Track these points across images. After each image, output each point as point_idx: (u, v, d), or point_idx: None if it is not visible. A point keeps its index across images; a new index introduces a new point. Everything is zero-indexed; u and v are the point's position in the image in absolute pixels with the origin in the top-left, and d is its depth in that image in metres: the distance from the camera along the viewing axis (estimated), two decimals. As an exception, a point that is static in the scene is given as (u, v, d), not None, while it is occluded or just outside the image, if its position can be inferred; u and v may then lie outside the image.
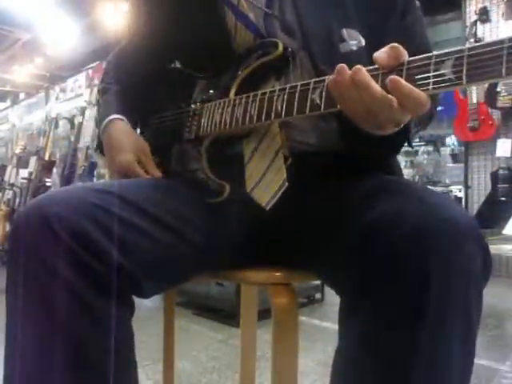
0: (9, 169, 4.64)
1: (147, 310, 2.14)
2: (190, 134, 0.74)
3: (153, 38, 0.81)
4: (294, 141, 0.70)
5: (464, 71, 0.44)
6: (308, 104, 0.56)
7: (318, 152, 0.72)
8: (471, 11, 3.49)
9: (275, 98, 0.60)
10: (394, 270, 0.48)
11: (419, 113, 0.50)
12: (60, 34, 7.23)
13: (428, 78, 0.47)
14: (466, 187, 3.48)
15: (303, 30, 0.70)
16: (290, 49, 0.66)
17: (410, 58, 0.49)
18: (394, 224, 0.49)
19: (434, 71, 0.47)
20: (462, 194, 3.72)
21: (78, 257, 0.50)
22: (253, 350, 0.99)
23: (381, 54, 0.51)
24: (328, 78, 0.55)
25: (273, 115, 0.61)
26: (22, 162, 4.53)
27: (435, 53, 0.47)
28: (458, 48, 0.45)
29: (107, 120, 0.80)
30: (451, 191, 4.13)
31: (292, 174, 0.65)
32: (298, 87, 0.58)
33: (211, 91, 0.74)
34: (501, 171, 3.15)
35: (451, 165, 4.74)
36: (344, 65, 0.51)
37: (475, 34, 3.37)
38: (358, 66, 0.50)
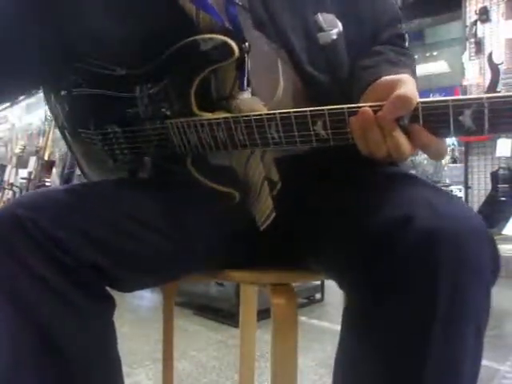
0: (8, 169, 4.64)
1: (147, 310, 2.15)
2: (166, 150, 0.64)
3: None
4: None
5: (486, 124, 0.45)
6: (313, 138, 0.52)
7: (316, 151, 0.70)
8: (471, 11, 3.49)
9: (266, 125, 0.54)
10: (400, 270, 0.47)
11: (439, 158, 0.52)
12: (60, 33, 7.22)
13: (448, 126, 0.47)
14: (466, 187, 3.48)
15: (276, 22, 0.64)
16: (246, 44, 0.57)
17: (425, 105, 0.48)
18: (399, 224, 0.49)
19: (454, 121, 0.46)
20: (462, 194, 3.71)
21: (52, 254, 0.52)
22: (252, 350, 0.98)
23: (384, 114, 0.49)
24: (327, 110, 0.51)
25: (271, 143, 0.55)
26: (22, 162, 4.52)
27: (451, 100, 0.46)
28: (477, 98, 0.45)
29: None
30: (451, 191, 4.12)
31: (292, 173, 0.65)
32: (293, 119, 0.52)
33: (161, 98, 0.61)
34: (501, 171, 3.15)
35: (451, 165, 4.73)
36: (368, 109, 0.49)
37: (475, 33, 3.37)
38: (382, 115, 0.49)
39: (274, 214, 0.61)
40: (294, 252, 0.68)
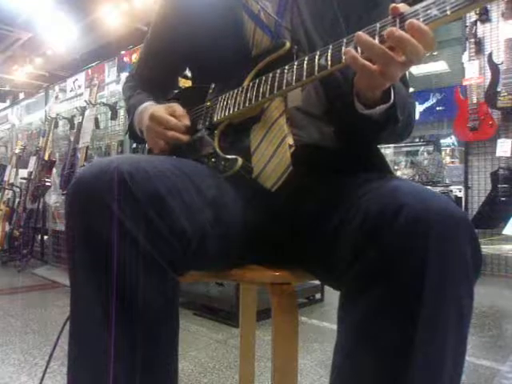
0: (8, 169, 4.64)
1: (147, 310, 2.10)
2: (205, 122, 0.78)
3: (172, 46, 0.88)
4: (297, 135, 0.72)
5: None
6: (316, 68, 0.60)
7: (317, 147, 0.75)
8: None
9: (286, 72, 0.65)
10: (388, 258, 0.49)
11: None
12: (60, 33, 7.24)
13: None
14: (466, 187, 3.48)
15: (311, 44, 0.74)
16: (295, 46, 0.70)
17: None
18: (388, 214, 0.51)
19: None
20: (462, 194, 3.71)
21: (148, 216, 0.52)
22: (252, 350, 0.98)
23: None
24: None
25: (284, 85, 0.65)
26: (22, 162, 4.52)
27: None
28: None
29: (144, 104, 0.85)
30: (451, 191, 4.13)
31: (292, 172, 0.66)
32: (306, 58, 0.63)
33: (225, 89, 0.77)
34: (501, 171, 3.15)
35: (451, 165, 4.73)
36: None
37: (475, 33, 3.37)
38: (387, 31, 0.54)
39: (290, 169, 0.66)
40: (294, 252, 0.68)
